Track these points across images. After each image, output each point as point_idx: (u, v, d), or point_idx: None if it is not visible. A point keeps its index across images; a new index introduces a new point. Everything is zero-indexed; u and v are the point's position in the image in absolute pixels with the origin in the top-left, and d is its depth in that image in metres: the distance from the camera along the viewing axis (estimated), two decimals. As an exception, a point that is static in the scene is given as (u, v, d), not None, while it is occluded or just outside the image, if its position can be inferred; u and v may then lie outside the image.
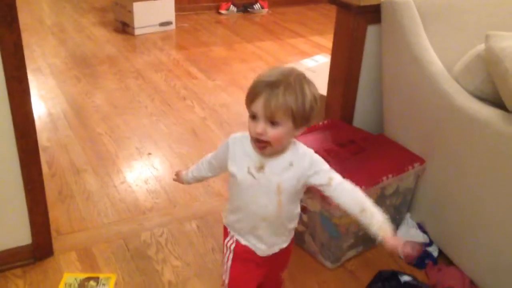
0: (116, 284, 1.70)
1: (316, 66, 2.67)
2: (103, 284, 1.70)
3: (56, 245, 1.84)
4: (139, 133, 2.73)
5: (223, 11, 4.97)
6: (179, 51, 3.99)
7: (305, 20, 5.01)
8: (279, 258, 1.33)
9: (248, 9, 5.10)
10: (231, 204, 1.31)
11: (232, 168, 1.23)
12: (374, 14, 1.91)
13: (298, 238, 1.88)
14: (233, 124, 2.83)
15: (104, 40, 4.11)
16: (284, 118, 1.08)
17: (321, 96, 2.20)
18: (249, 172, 1.18)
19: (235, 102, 3.11)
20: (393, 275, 1.54)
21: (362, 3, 1.87)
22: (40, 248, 1.77)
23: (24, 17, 4.42)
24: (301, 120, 1.11)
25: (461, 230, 1.68)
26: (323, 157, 1.84)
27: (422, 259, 1.77)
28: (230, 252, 1.30)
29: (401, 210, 1.89)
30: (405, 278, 1.53)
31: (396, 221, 1.90)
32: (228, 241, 1.32)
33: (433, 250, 1.80)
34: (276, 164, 1.17)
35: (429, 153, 1.78)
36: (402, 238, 1.18)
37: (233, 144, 1.23)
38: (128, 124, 2.82)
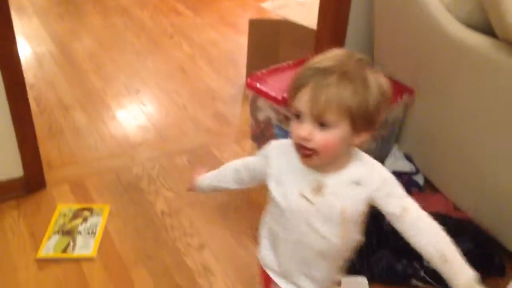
0: (110, 214, 1.74)
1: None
2: (97, 214, 1.73)
3: (48, 178, 1.86)
4: (126, 70, 2.69)
5: None
6: (165, -13, 3.87)
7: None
8: None
9: None
10: (271, 235, 0.99)
11: (274, 190, 0.92)
12: None
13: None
14: (223, 62, 2.80)
15: (87, -23, 3.96)
16: (338, 117, 0.80)
17: (311, 30, 2.18)
18: (303, 196, 0.88)
19: (224, 40, 3.06)
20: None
21: None
22: (32, 180, 1.79)
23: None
24: (363, 122, 0.81)
25: (446, 158, 1.72)
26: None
27: (408, 187, 1.82)
28: None
29: (389, 141, 1.92)
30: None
31: (384, 152, 1.93)
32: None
33: (419, 179, 1.85)
34: (338, 182, 0.87)
35: (418, 83, 1.79)
36: None
37: (277, 157, 0.93)
38: (114, 61, 2.77)
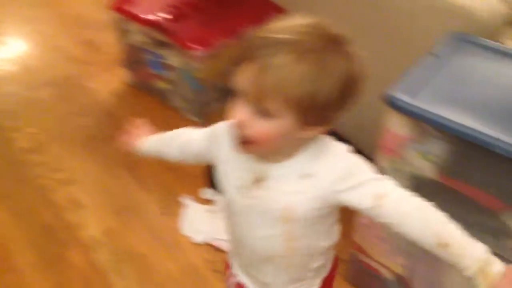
0: (-36, 155, 1.58)
1: None
2: None
3: None
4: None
5: None
6: None
7: None
8: None
9: None
10: (226, 228, 0.84)
11: (221, 177, 0.77)
12: None
13: (164, 96, 1.86)
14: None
15: None
16: (283, 107, 0.63)
17: None
18: (242, 187, 0.73)
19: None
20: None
21: None
22: None
23: None
24: (314, 115, 0.64)
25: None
26: (181, 9, 1.78)
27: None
28: None
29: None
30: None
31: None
32: (229, 276, 0.90)
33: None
34: (285, 174, 0.71)
35: (290, 2, 1.77)
36: None
37: (222, 139, 0.75)
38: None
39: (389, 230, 0.73)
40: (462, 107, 0.96)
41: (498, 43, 1.16)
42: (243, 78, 0.63)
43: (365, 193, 0.68)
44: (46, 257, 1.33)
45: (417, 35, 1.33)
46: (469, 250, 0.67)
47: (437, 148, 0.97)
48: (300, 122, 0.64)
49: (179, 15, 1.72)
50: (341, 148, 0.72)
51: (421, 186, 1.03)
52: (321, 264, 0.83)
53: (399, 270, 1.19)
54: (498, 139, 0.87)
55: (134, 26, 1.80)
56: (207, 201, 1.47)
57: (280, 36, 0.62)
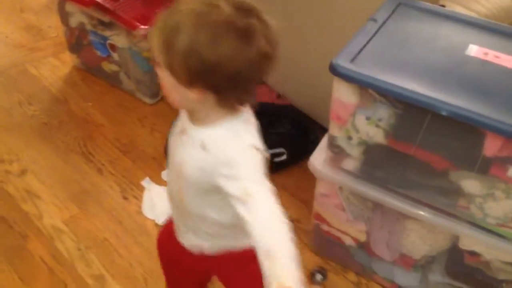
0: None
1: None
2: None
3: None
4: None
5: None
6: None
7: None
8: (212, 268, 0.96)
9: None
10: None
11: None
12: None
13: (114, 79, 1.82)
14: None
15: None
16: (158, 58, 0.71)
17: None
18: (175, 133, 0.83)
19: None
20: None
21: None
22: None
23: None
24: (179, 72, 0.70)
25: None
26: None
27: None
28: None
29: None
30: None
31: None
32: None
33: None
34: (192, 137, 0.78)
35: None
36: None
37: None
38: None
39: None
40: (404, 71, 0.99)
41: (437, 6, 1.20)
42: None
43: (237, 187, 0.71)
44: (6, 250, 1.31)
45: (359, 2, 1.35)
46: (284, 274, 0.67)
47: (384, 113, 1.01)
48: (173, 76, 0.70)
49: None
50: (247, 141, 0.75)
51: (372, 152, 1.07)
52: (217, 233, 0.86)
53: (360, 236, 1.24)
54: (441, 101, 0.91)
55: (75, 8, 1.74)
56: (168, 182, 1.48)
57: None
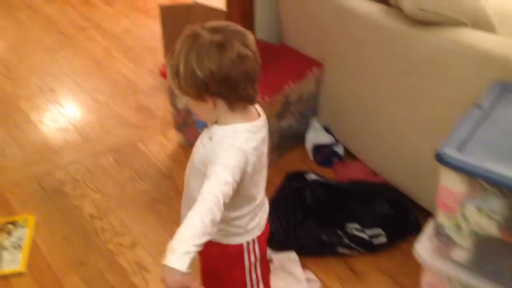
0: (37, 224, 1.69)
1: (215, -19, 2.59)
2: (22, 226, 1.68)
3: (-35, 195, 1.78)
4: (38, 69, 2.57)
5: None
6: (71, -23, 3.68)
7: None
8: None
9: None
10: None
11: None
12: None
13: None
14: (139, 51, 2.73)
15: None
16: (173, 86, 0.96)
17: (221, 11, 2.17)
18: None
19: (138, 27, 2.98)
20: (300, 175, 1.66)
21: None
22: None
23: None
24: (186, 89, 0.92)
25: (360, 127, 1.80)
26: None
27: (329, 158, 1.90)
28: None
29: (307, 115, 1.98)
30: (311, 177, 1.64)
31: (303, 126, 2.00)
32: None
33: (339, 149, 1.93)
34: (208, 131, 0.99)
35: (326, 56, 1.85)
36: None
37: None
38: (25, 61, 2.63)
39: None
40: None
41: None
42: None
43: (211, 168, 0.90)
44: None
45: (461, 86, 1.36)
46: (176, 236, 0.83)
47: (496, 204, 0.99)
48: (187, 96, 0.93)
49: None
50: (238, 140, 0.93)
51: (484, 244, 1.04)
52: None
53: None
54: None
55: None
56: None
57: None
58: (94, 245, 1.62)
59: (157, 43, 2.54)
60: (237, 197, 0.95)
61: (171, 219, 1.71)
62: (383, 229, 1.53)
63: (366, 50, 1.62)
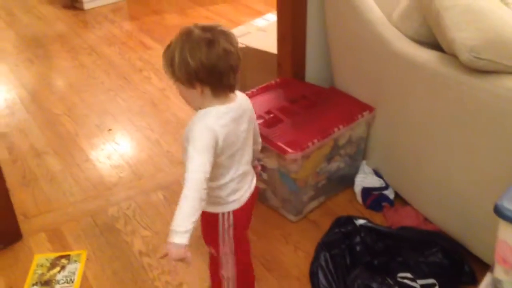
0: (88, 259, 1.74)
1: (267, 25, 2.67)
2: (75, 261, 1.73)
3: (24, 228, 1.86)
4: (97, 109, 2.71)
5: (174, -24, 4.84)
6: (131, 22, 3.91)
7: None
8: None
9: (200, -28, 4.98)
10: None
11: None
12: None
13: (261, 195, 1.95)
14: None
15: (54, 18, 3.99)
16: (167, 73, 1.15)
17: (273, 54, 2.23)
18: None
19: (193, 69, 3.09)
20: (349, 220, 1.62)
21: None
22: (7, 233, 1.79)
23: (-34, 2, 4.24)
24: (179, 76, 1.12)
25: (411, 172, 1.76)
26: (275, 115, 1.91)
27: (379, 202, 1.86)
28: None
29: (356, 158, 1.96)
30: (360, 222, 1.61)
31: (352, 169, 1.97)
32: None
33: (389, 193, 1.89)
34: (194, 115, 1.19)
35: (377, 100, 1.84)
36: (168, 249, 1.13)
37: None
38: (85, 101, 2.79)
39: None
40: None
41: None
42: None
43: (188, 147, 1.11)
44: None
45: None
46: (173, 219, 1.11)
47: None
48: (179, 82, 1.13)
49: (273, 121, 1.84)
50: (206, 120, 1.13)
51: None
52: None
53: None
54: None
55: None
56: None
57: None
58: (142, 282, 1.64)
59: (210, 84, 2.62)
60: (215, 168, 1.15)
61: (217, 259, 1.71)
62: (436, 280, 1.46)
63: (419, 96, 1.60)
